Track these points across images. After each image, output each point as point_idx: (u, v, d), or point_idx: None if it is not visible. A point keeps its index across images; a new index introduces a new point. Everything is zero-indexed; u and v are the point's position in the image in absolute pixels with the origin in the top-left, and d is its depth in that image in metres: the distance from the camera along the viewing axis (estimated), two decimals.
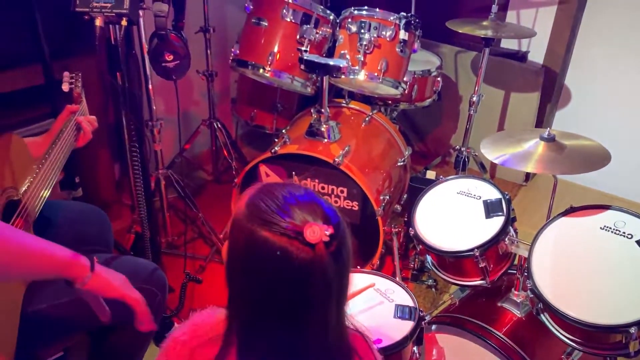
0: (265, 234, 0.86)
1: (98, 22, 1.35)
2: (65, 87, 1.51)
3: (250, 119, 2.97)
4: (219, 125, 2.88)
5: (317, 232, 0.84)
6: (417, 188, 2.26)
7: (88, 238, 1.68)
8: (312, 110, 2.42)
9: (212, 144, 3.00)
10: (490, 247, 1.57)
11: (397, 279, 2.14)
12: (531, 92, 3.03)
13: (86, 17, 1.36)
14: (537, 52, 3.08)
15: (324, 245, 0.85)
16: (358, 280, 1.63)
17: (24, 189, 1.31)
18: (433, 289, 2.39)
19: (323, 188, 2.24)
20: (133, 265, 1.49)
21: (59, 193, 2.28)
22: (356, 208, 2.24)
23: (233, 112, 3.11)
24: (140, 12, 1.44)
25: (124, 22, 1.34)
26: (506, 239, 1.59)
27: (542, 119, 3.14)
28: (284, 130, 2.52)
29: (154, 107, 2.13)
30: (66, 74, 1.53)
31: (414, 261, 2.41)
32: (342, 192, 2.22)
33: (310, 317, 0.89)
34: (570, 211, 1.52)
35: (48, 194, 1.41)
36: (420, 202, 1.73)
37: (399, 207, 2.49)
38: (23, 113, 1.98)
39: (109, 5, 1.33)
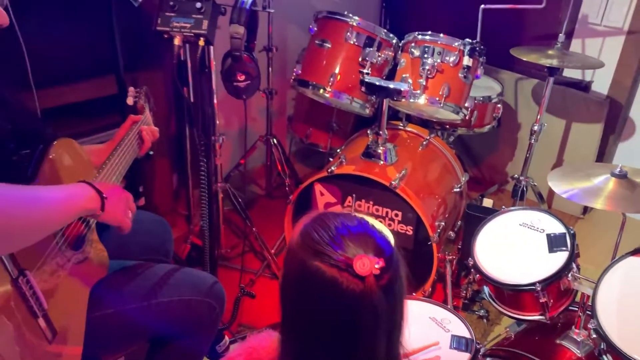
0: (316, 264, 0.87)
1: (177, 41, 1.41)
2: (129, 101, 1.56)
3: (305, 136, 3.01)
4: (275, 142, 2.92)
5: (367, 264, 0.85)
6: (474, 216, 2.23)
7: (152, 247, 1.73)
8: (368, 132, 2.44)
9: (267, 159, 3.05)
10: (553, 282, 1.53)
11: (449, 307, 2.12)
12: (594, 123, 2.95)
13: (166, 36, 1.42)
14: (600, 82, 3.00)
15: (375, 279, 0.85)
16: (412, 307, 1.62)
17: None
18: (484, 320, 2.34)
19: (377, 210, 2.24)
20: (194, 278, 1.53)
21: None
22: (410, 233, 2.22)
23: (289, 129, 3.16)
24: None
25: (201, 42, 1.40)
26: (569, 275, 1.55)
27: (603, 151, 3.05)
28: (339, 150, 2.54)
29: (217, 122, 2.19)
30: (131, 89, 1.59)
31: (465, 290, 2.36)
32: (396, 215, 2.22)
33: (358, 349, 0.89)
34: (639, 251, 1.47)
35: None
36: (481, 231, 1.71)
37: (452, 234, 2.46)
38: (96, 121, 2.08)
39: (188, 25, 1.38)
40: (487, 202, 2.49)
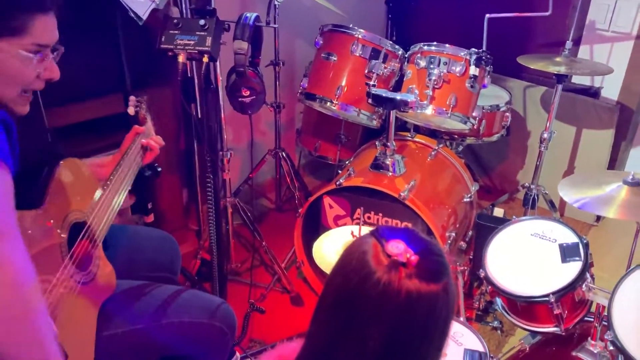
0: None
1: (181, 58, 1.41)
2: (130, 111, 1.56)
3: (314, 149, 3.00)
4: (284, 155, 2.92)
5: (400, 248, 0.82)
6: (485, 226, 2.21)
7: (159, 265, 1.73)
8: (376, 143, 2.43)
9: (277, 172, 3.05)
10: (566, 293, 1.50)
11: (461, 319, 2.09)
12: (605, 129, 2.92)
13: (170, 54, 1.42)
14: (610, 88, 2.97)
15: (403, 267, 0.81)
16: None
17: (89, 210, 1.34)
18: (498, 331, 2.30)
19: (387, 222, 2.22)
20: (203, 300, 1.52)
21: (130, 217, 2.37)
22: None
23: (297, 142, 3.16)
24: None
25: (205, 59, 1.40)
26: (583, 286, 1.52)
27: (615, 157, 3.01)
28: (347, 162, 2.53)
29: (225, 137, 2.19)
30: (132, 98, 1.58)
31: (478, 301, 2.33)
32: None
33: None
34: None
35: (114, 215, 1.44)
36: (492, 242, 1.69)
37: (464, 245, 2.44)
38: (105, 139, 2.09)
39: (192, 42, 1.39)
40: (498, 212, 2.46)
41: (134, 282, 1.48)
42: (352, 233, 1.65)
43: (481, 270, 1.63)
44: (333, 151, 2.99)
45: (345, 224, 2.30)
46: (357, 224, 2.29)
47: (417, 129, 2.68)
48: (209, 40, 1.39)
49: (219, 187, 1.69)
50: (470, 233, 2.52)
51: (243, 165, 3.17)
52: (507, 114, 2.74)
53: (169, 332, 1.39)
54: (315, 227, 2.40)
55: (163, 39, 1.42)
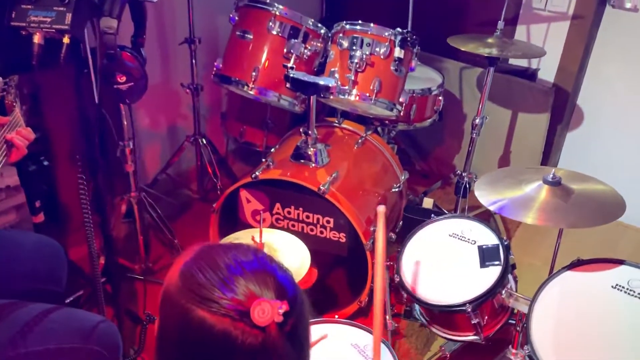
0: (202, 314, 0.68)
1: (36, 38, 1.18)
2: None
3: (239, 135, 2.81)
4: (205, 142, 2.71)
5: (268, 311, 0.67)
6: (411, 219, 2.08)
7: (37, 276, 1.52)
8: (301, 130, 2.25)
9: (197, 160, 2.83)
10: (485, 301, 1.38)
11: (387, 316, 1.96)
12: (540, 112, 2.82)
13: (23, 33, 1.19)
14: (548, 70, 2.87)
15: (277, 327, 0.68)
16: (332, 332, 1.45)
17: None
18: (427, 328, 2.19)
19: (308, 217, 2.06)
20: (76, 320, 1.32)
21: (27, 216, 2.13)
22: (343, 240, 2.05)
23: (222, 127, 2.95)
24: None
25: (65, 40, 1.17)
26: (503, 292, 1.40)
27: (551, 141, 2.93)
28: (272, 150, 2.35)
29: (125, 124, 1.96)
30: None
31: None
32: (328, 222, 2.04)
33: None
34: (577, 264, 1.33)
35: None
36: (408, 244, 1.55)
37: (393, 236, 2.30)
38: None
39: (48, 19, 1.16)
40: (427, 202, 2.34)
41: None
42: (252, 238, 1.48)
43: (396, 274, 1.48)
44: (260, 137, 2.80)
45: (264, 220, 2.13)
46: (278, 219, 2.14)
47: (346, 115, 2.51)
48: (68, 17, 1.15)
49: (100, 184, 1.47)
50: (400, 224, 2.39)
51: (163, 153, 2.94)
52: (440, 97, 2.60)
53: None
54: (233, 222, 2.21)
55: (14, 15, 1.18)
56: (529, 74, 2.90)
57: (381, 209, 1.19)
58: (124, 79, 1.38)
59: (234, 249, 0.75)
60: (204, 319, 0.67)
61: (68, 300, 1.95)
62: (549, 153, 2.95)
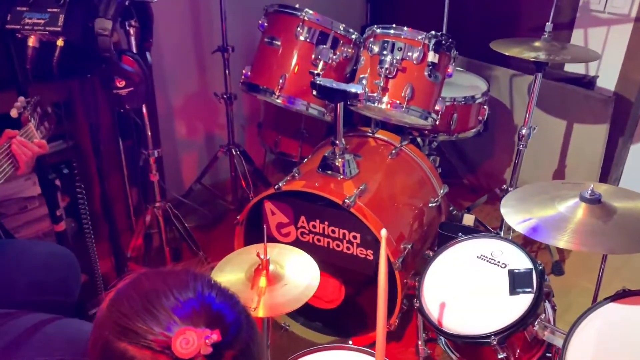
0: (123, 345, 0.60)
1: (31, 41, 1.14)
2: (13, 113, 1.31)
3: (274, 145, 2.73)
4: (238, 152, 2.65)
5: (193, 341, 0.57)
6: (446, 236, 1.92)
7: (47, 287, 1.49)
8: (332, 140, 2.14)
9: (231, 171, 2.78)
10: (513, 333, 1.21)
11: (420, 342, 1.81)
12: (599, 123, 2.58)
13: (18, 36, 1.15)
14: (608, 78, 2.63)
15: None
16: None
17: None
18: None
19: (333, 232, 1.94)
20: (71, 332, 1.26)
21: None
22: (371, 257, 1.91)
23: (259, 137, 2.89)
24: None
25: (59, 43, 1.13)
26: (536, 323, 1.23)
27: (612, 155, 2.68)
28: (305, 161, 2.26)
29: (149, 134, 1.92)
30: (20, 99, 1.34)
31: None
32: (354, 237, 1.91)
33: None
34: (623, 295, 1.14)
35: None
36: (431, 266, 1.40)
37: (430, 254, 2.13)
38: None
39: (42, 21, 1.11)
40: (468, 219, 2.16)
41: None
42: (258, 254, 1.38)
43: (416, 300, 1.34)
44: (294, 147, 2.71)
45: (289, 233, 2.03)
46: (303, 232, 2.03)
47: (383, 125, 2.38)
48: (61, 19, 1.11)
49: (106, 193, 1.41)
50: (436, 241, 2.22)
51: (201, 163, 2.91)
52: (485, 107, 2.43)
53: None
54: (260, 235, 2.12)
55: (9, 18, 1.14)
56: (586, 82, 2.66)
57: (383, 233, 1.06)
58: (123, 83, 1.34)
59: (173, 276, 0.68)
60: (126, 350, 0.60)
61: (91, 313, 1.93)
62: (609, 167, 2.70)
